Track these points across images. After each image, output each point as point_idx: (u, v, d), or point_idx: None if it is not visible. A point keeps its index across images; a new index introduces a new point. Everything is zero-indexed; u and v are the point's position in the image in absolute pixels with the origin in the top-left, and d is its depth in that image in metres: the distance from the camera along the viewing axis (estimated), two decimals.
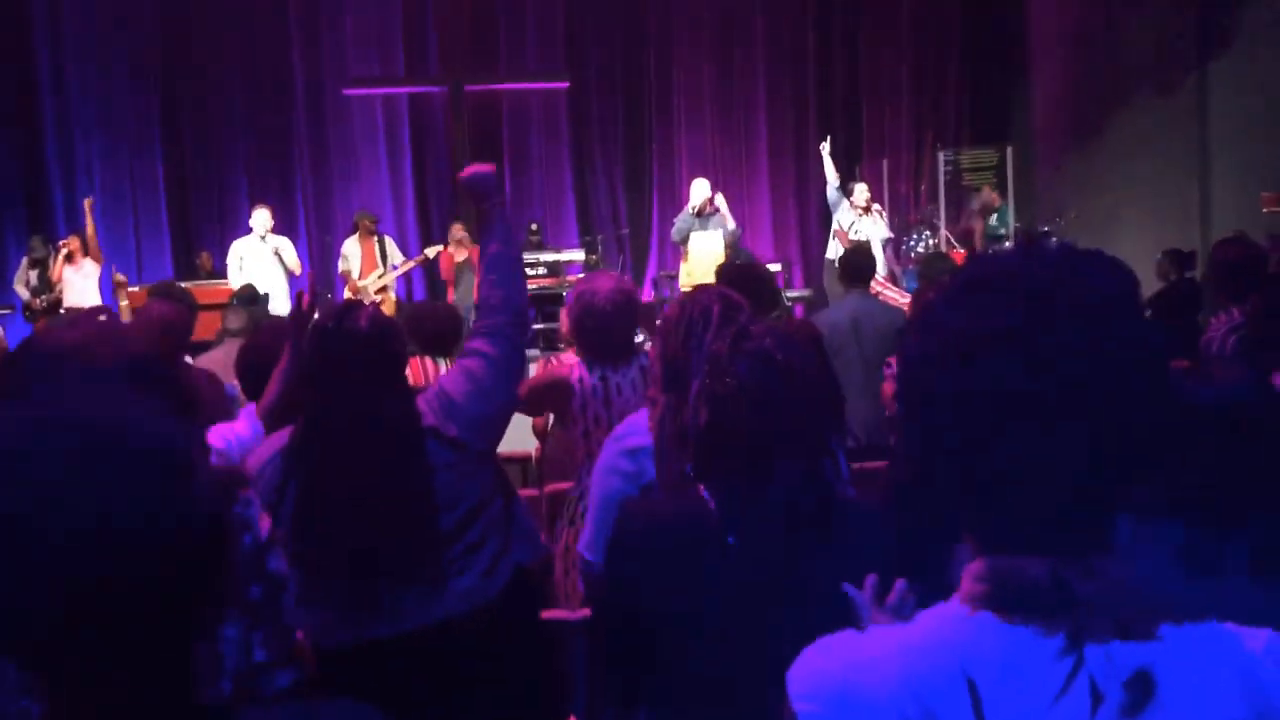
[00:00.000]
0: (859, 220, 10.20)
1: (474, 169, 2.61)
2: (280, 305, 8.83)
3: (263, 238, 9.85)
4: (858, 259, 5.49)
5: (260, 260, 9.72)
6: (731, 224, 9.81)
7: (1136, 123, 11.31)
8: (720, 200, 9.98)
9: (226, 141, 12.78)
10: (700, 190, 9.78)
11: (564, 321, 3.77)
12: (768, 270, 4.94)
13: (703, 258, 9.41)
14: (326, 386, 2.27)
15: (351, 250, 10.51)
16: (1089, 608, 0.87)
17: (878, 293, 5.83)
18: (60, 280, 9.33)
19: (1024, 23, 13.36)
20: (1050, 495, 0.88)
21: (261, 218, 9.92)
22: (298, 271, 10.03)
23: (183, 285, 6.66)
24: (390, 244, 10.73)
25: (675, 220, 10.00)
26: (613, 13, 13.46)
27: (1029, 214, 12.48)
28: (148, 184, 12.57)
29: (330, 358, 2.26)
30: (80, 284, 9.30)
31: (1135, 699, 0.85)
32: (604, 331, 3.13)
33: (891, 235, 10.79)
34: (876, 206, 10.64)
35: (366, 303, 2.61)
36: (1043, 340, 0.86)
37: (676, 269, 10.36)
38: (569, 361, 3.55)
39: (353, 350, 2.25)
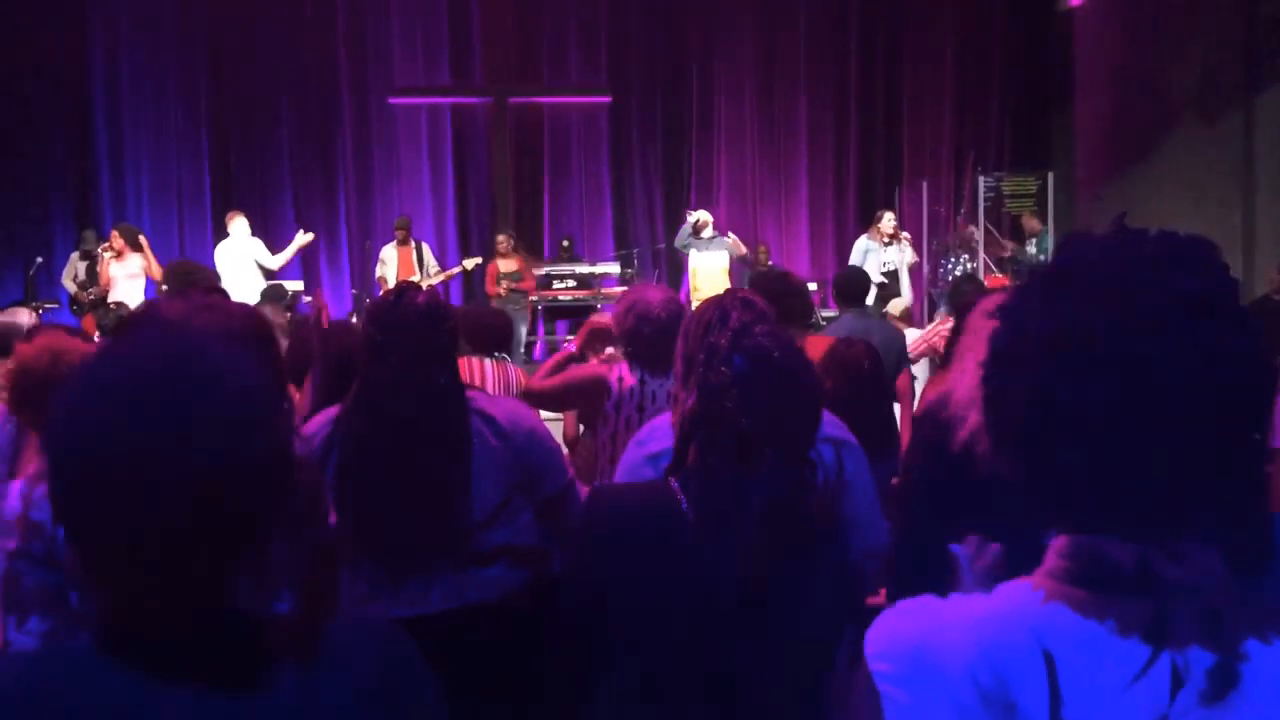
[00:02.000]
0: (885, 250, 10.21)
1: None
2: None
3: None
4: (852, 278, 5.49)
5: (236, 262, 10.04)
6: (742, 249, 10.59)
7: (1180, 153, 11.22)
8: (731, 237, 10.81)
9: (272, 146, 12.96)
10: (700, 216, 10.68)
11: (594, 323, 3.85)
12: (801, 283, 5.00)
13: (703, 271, 10.26)
14: (380, 359, 2.36)
15: (389, 256, 10.69)
16: (1175, 592, 0.86)
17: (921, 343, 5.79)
18: (109, 280, 9.45)
19: (1069, 50, 13.30)
20: (1131, 488, 0.85)
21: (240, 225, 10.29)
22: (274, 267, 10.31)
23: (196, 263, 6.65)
24: (427, 250, 10.90)
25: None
26: (656, 29, 13.54)
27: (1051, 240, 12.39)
28: (193, 185, 12.77)
29: (386, 331, 2.36)
30: (124, 280, 9.41)
31: (1217, 686, 0.83)
32: (659, 338, 3.20)
33: (917, 259, 10.78)
34: (906, 235, 10.63)
35: None
36: (1122, 342, 0.84)
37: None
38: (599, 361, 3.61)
39: (408, 325, 2.35)
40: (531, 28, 13.25)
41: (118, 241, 9.40)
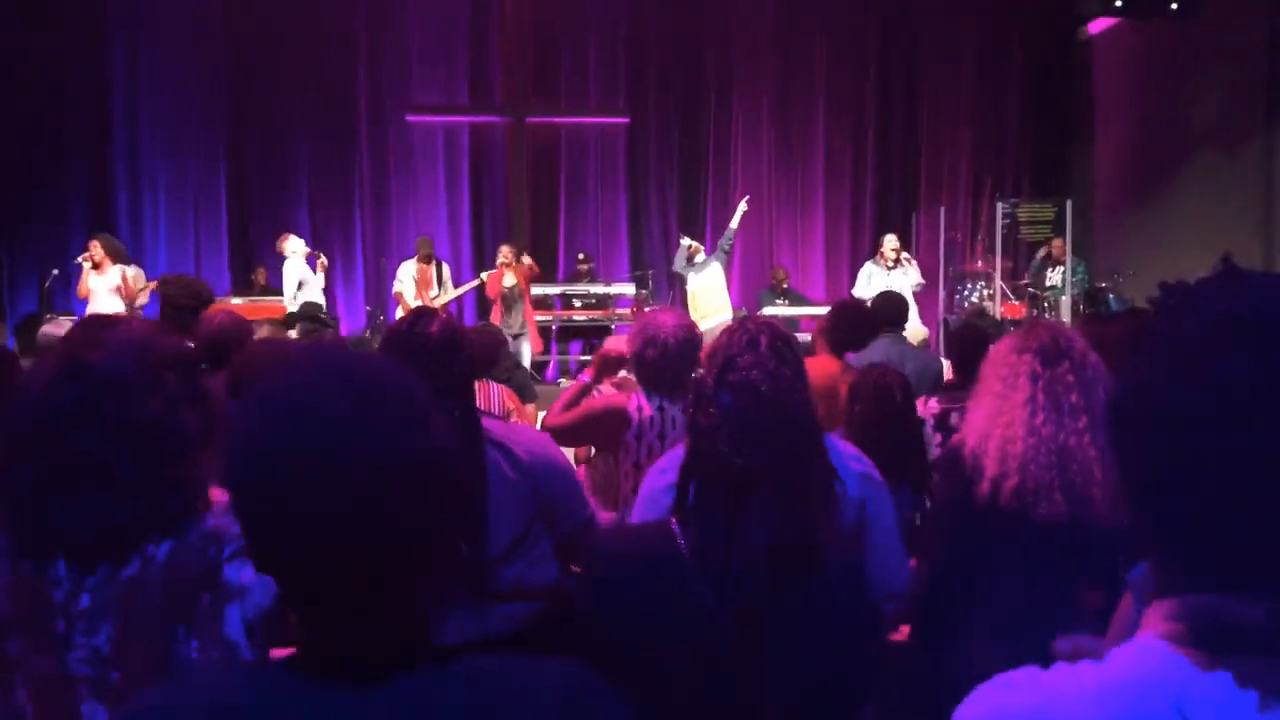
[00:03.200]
0: (889, 275, 10.16)
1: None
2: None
3: (313, 261, 10.32)
4: (888, 303, 5.44)
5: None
6: (729, 235, 10.86)
7: (1199, 181, 11.18)
8: (741, 208, 10.93)
9: (289, 161, 12.99)
10: (692, 243, 10.85)
11: (605, 351, 3.78)
12: (866, 310, 4.95)
13: (701, 294, 10.46)
14: None
15: (407, 273, 10.71)
16: None
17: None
18: (88, 292, 9.15)
19: (1088, 77, 13.28)
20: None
21: (298, 244, 10.43)
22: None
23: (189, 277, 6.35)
24: (446, 270, 10.90)
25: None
26: (674, 51, 13.57)
27: (1087, 271, 12.33)
28: (210, 200, 12.81)
29: (401, 360, 2.29)
30: (105, 293, 9.11)
31: None
32: (667, 363, 3.18)
33: (922, 281, 10.71)
34: (905, 255, 10.56)
35: None
36: None
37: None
38: (608, 392, 3.55)
39: (423, 354, 2.27)
40: (550, 48, 13.28)
41: (97, 252, 9.04)
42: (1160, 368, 0.85)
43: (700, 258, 10.67)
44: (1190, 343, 0.84)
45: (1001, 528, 2.23)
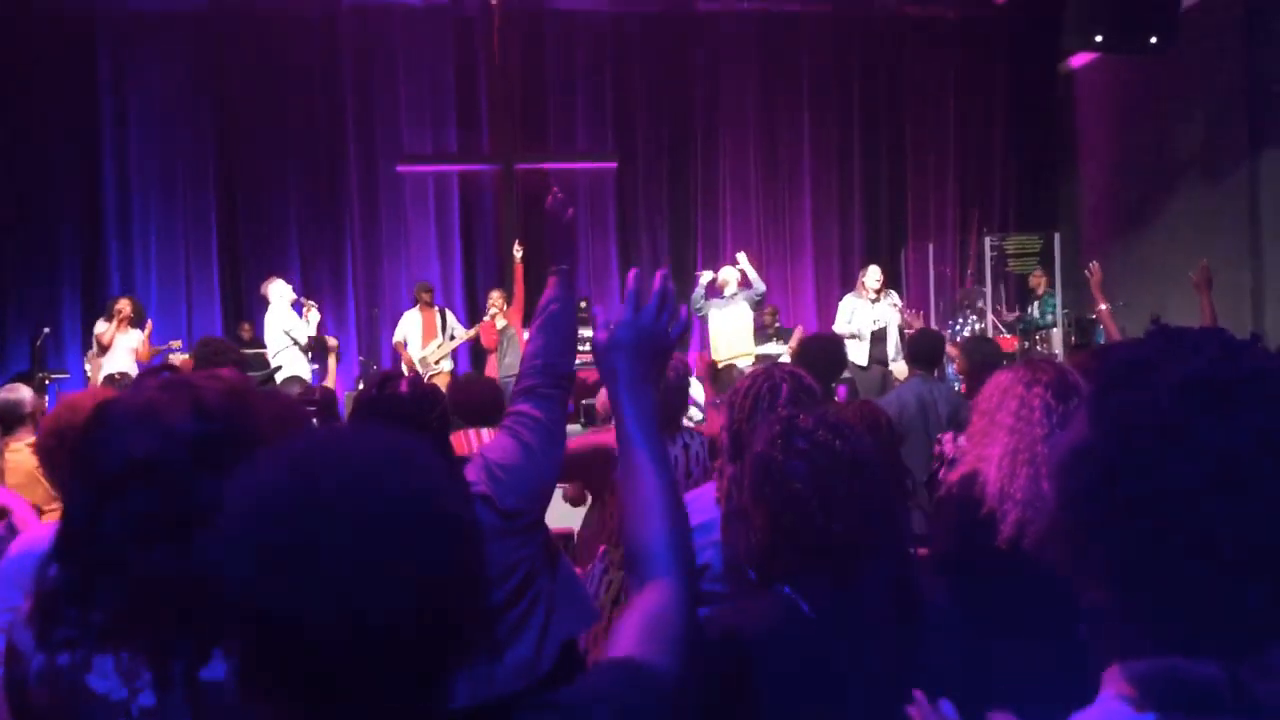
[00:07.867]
0: (873, 308, 9.88)
1: (562, 216, 2.48)
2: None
3: (299, 307, 9.68)
4: (925, 342, 5.50)
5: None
6: (759, 285, 10.34)
7: (1186, 211, 11.26)
8: (742, 258, 10.56)
9: (280, 215, 13.02)
10: (724, 275, 10.38)
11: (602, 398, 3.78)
12: (841, 349, 4.96)
13: (725, 332, 10.09)
14: None
15: (410, 322, 10.70)
16: (1272, 710, 0.80)
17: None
18: (112, 342, 9.37)
19: (1072, 110, 13.42)
20: (1255, 599, 0.80)
21: (283, 289, 9.75)
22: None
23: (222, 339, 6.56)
24: (450, 316, 10.93)
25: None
26: (661, 95, 13.69)
27: (1076, 301, 12.39)
28: (201, 255, 12.79)
29: (373, 421, 2.28)
30: (125, 352, 9.30)
31: None
32: (662, 398, 3.14)
33: (907, 320, 10.63)
34: (890, 292, 10.34)
35: (427, 374, 2.60)
36: None
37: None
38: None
39: (394, 416, 2.26)
40: (537, 95, 13.38)
41: (127, 309, 9.43)
42: (1136, 443, 0.83)
43: (731, 289, 10.22)
44: (1163, 414, 0.82)
45: (1025, 572, 2.18)
